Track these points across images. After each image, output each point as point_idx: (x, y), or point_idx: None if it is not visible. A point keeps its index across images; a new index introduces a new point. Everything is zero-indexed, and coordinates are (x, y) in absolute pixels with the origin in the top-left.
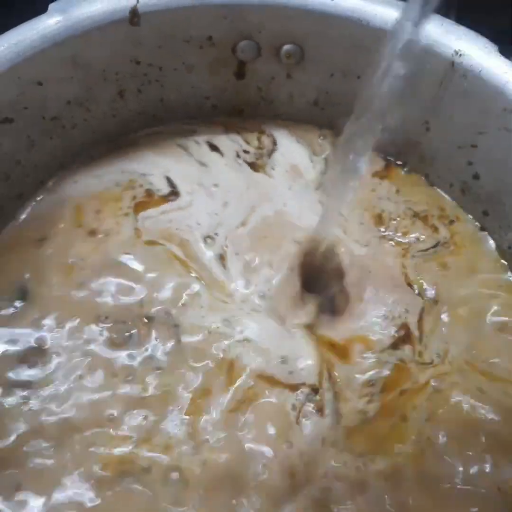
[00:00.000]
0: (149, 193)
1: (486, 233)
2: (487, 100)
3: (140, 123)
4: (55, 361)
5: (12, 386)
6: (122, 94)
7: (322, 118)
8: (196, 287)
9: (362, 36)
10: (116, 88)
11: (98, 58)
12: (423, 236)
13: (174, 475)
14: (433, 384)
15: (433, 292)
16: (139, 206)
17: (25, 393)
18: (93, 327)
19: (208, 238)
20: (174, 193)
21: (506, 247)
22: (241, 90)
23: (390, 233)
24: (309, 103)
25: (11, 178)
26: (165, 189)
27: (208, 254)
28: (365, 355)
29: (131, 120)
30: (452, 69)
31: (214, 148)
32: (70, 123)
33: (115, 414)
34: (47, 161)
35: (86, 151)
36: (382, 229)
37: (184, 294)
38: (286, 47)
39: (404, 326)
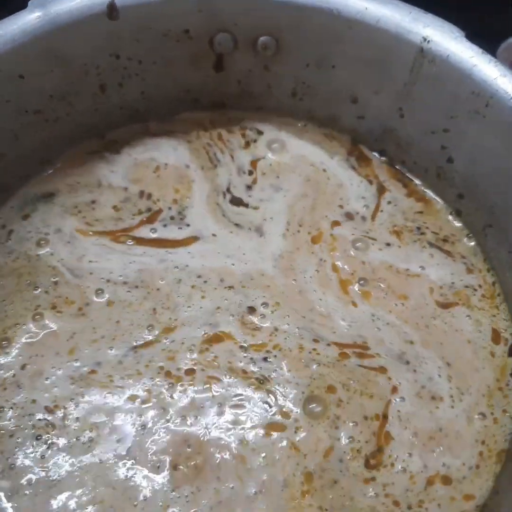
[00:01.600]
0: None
1: None
2: (456, 84)
3: (123, 117)
4: None
5: None
6: (103, 88)
7: (301, 108)
8: None
9: (334, 26)
10: (97, 82)
11: (78, 52)
12: None
13: None
14: None
15: None
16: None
17: None
18: None
19: None
20: None
21: (480, 228)
22: (221, 82)
23: None
24: (288, 94)
25: None
26: None
27: None
28: None
29: (114, 114)
30: (421, 55)
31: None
32: (52, 116)
33: None
34: (32, 154)
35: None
36: None
37: None
38: (262, 39)
39: None
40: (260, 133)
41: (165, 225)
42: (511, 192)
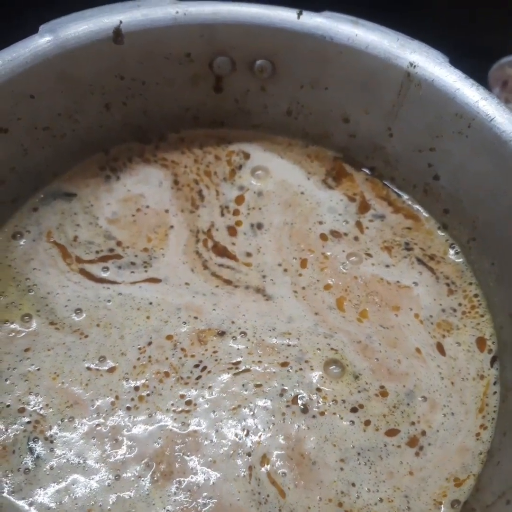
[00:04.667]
0: None
1: None
2: (440, 106)
3: (126, 134)
4: None
5: None
6: (108, 106)
7: (296, 127)
8: None
9: (326, 51)
10: (102, 101)
11: (85, 74)
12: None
13: None
14: None
15: None
16: None
17: None
18: None
19: None
20: None
21: (465, 241)
22: (219, 102)
23: None
24: (283, 113)
25: (6, 183)
26: None
27: None
28: None
29: (117, 131)
30: (408, 79)
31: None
32: (60, 133)
33: None
34: (40, 168)
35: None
36: None
37: None
38: (259, 62)
39: None
40: (246, 157)
41: (119, 267)
42: (491, 206)
